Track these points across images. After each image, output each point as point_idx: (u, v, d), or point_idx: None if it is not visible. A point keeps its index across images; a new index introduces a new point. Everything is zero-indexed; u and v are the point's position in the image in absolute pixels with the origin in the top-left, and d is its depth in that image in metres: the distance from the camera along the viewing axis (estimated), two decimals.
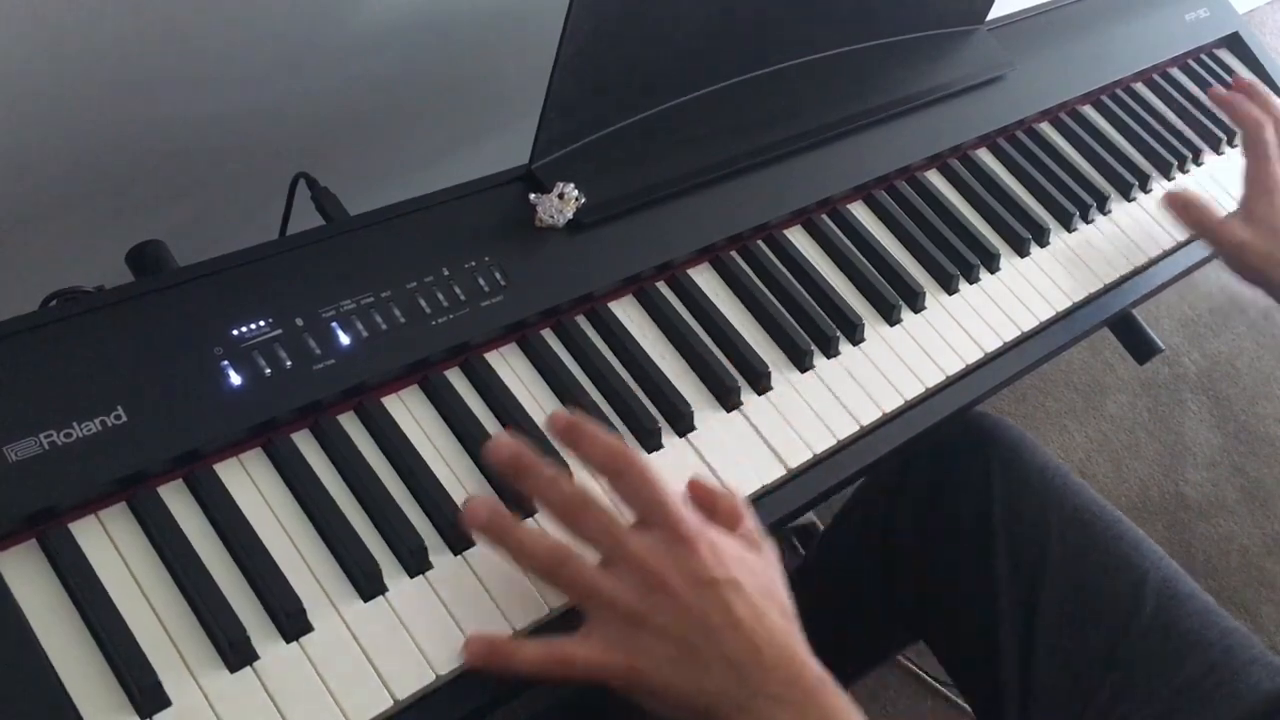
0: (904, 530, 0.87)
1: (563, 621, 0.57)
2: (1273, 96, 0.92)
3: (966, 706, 1.27)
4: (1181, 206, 0.85)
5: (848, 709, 0.52)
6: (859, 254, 0.79)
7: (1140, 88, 1.05)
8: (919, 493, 0.87)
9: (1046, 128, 0.96)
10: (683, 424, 0.66)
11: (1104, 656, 0.76)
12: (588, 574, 0.53)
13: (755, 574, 0.55)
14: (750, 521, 0.58)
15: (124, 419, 0.53)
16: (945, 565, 0.84)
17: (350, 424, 0.59)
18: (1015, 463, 0.84)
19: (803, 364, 0.71)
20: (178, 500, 0.54)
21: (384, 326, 0.61)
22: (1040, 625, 0.78)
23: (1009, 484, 0.82)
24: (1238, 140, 0.93)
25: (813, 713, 0.51)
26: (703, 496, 0.58)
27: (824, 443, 0.68)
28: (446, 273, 0.64)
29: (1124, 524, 0.82)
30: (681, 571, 0.52)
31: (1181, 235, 0.93)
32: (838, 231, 0.79)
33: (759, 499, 0.65)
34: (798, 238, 0.78)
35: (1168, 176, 0.97)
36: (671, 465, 0.64)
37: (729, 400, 0.67)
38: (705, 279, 0.73)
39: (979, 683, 0.83)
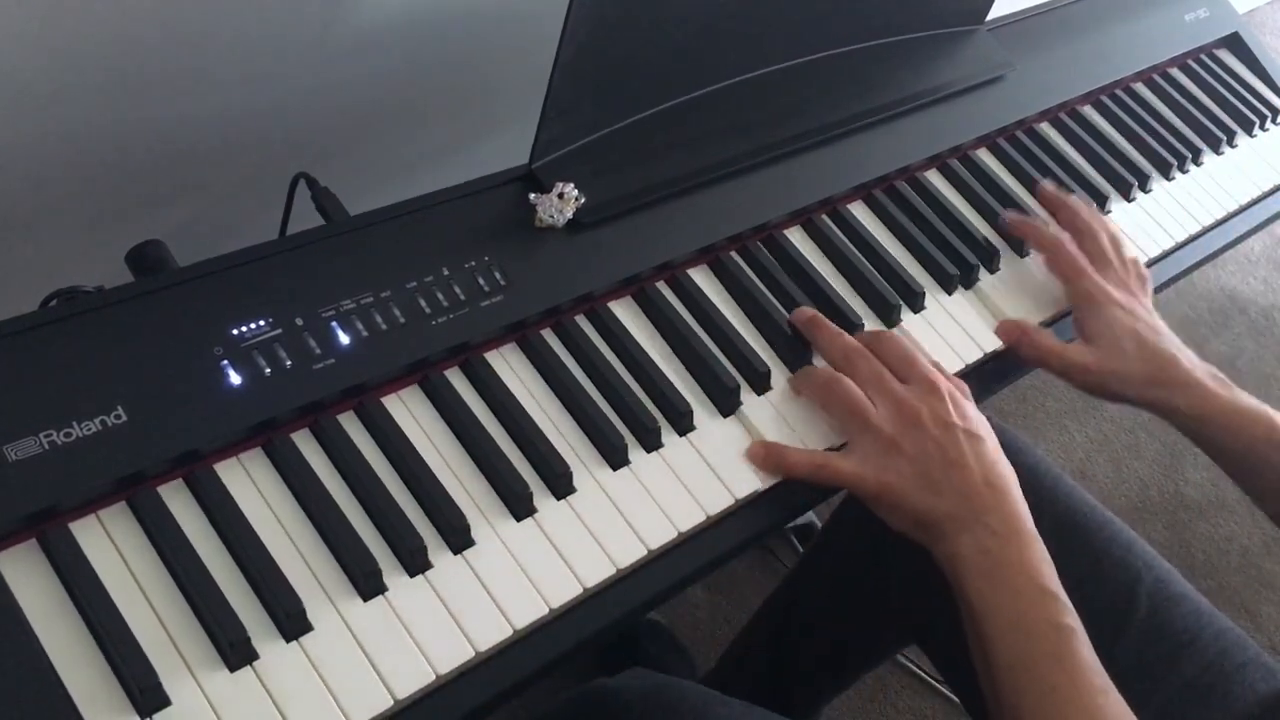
0: (895, 536, 0.87)
1: (562, 621, 0.57)
2: (1070, 201, 0.84)
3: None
4: (1015, 335, 0.77)
5: (1043, 556, 0.61)
6: (859, 254, 0.79)
7: (1140, 88, 1.05)
8: None
9: (1046, 128, 0.96)
10: (683, 423, 0.66)
11: (1100, 658, 0.76)
12: (862, 399, 0.66)
13: (988, 434, 0.66)
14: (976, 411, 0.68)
15: (124, 419, 0.53)
16: (937, 565, 0.84)
17: (350, 424, 0.59)
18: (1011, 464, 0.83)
19: (802, 364, 0.71)
20: (178, 500, 0.54)
21: (384, 326, 0.61)
22: None
23: None
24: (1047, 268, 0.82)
25: (1014, 549, 0.61)
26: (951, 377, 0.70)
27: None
28: (446, 272, 0.64)
29: (1116, 525, 0.82)
30: (931, 413, 0.65)
31: (1181, 235, 0.93)
32: (837, 231, 0.79)
33: (759, 499, 0.65)
34: (797, 238, 0.78)
35: (1167, 176, 0.97)
36: (671, 464, 0.64)
37: (728, 401, 0.67)
38: (705, 279, 0.73)
39: (974, 683, 0.83)
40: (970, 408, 0.67)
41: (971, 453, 0.64)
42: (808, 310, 0.71)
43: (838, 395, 0.66)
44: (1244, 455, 0.75)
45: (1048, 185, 0.87)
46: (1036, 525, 0.76)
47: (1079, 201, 0.86)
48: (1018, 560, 0.61)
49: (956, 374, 0.75)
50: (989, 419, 0.75)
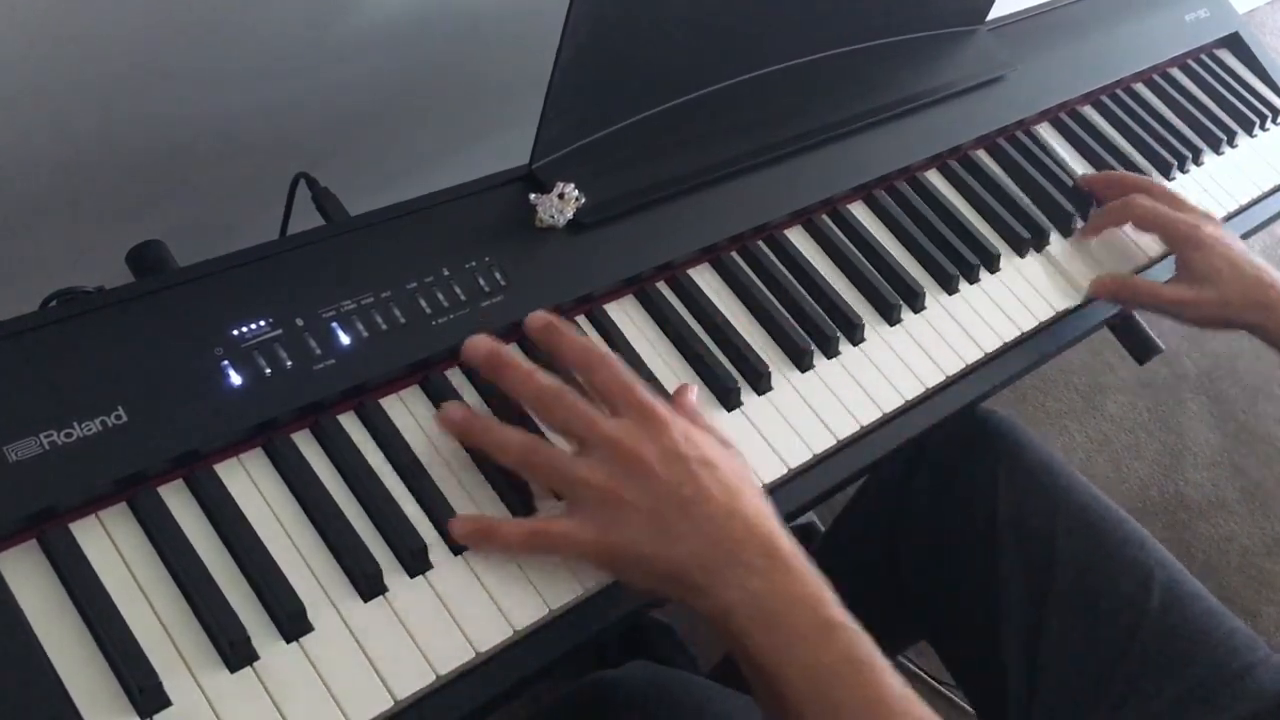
0: (909, 528, 0.87)
1: (563, 621, 0.57)
2: (1118, 175, 0.91)
3: (967, 707, 1.27)
4: (1114, 288, 0.83)
5: (818, 581, 0.54)
6: (859, 254, 0.79)
7: (1140, 88, 1.05)
8: (924, 491, 0.87)
9: (1046, 128, 0.96)
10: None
11: (1109, 656, 0.76)
12: (562, 459, 0.56)
13: (727, 458, 0.57)
14: (714, 427, 0.60)
15: (124, 419, 0.53)
16: (950, 563, 0.84)
17: (350, 424, 0.59)
18: (1021, 461, 0.84)
19: (803, 364, 0.71)
20: (178, 500, 0.54)
21: (384, 326, 0.61)
22: (1046, 624, 0.78)
23: (1014, 482, 0.82)
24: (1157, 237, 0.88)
25: (783, 581, 0.53)
26: (674, 396, 0.62)
27: (824, 442, 0.68)
28: (447, 273, 0.64)
29: (1130, 524, 0.82)
30: (654, 448, 0.55)
31: None
32: (838, 232, 0.79)
33: None
34: (798, 238, 0.78)
35: (1168, 177, 0.97)
36: None
37: (729, 400, 0.67)
38: (706, 279, 0.73)
39: (983, 682, 0.83)
40: (697, 432, 0.57)
41: (711, 483, 0.55)
42: (482, 344, 0.59)
43: (536, 461, 0.56)
44: None
45: (1083, 176, 0.91)
46: (1051, 524, 0.76)
47: (1117, 174, 0.90)
48: (793, 594, 0.53)
49: (956, 374, 0.75)
50: (1002, 418, 0.75)
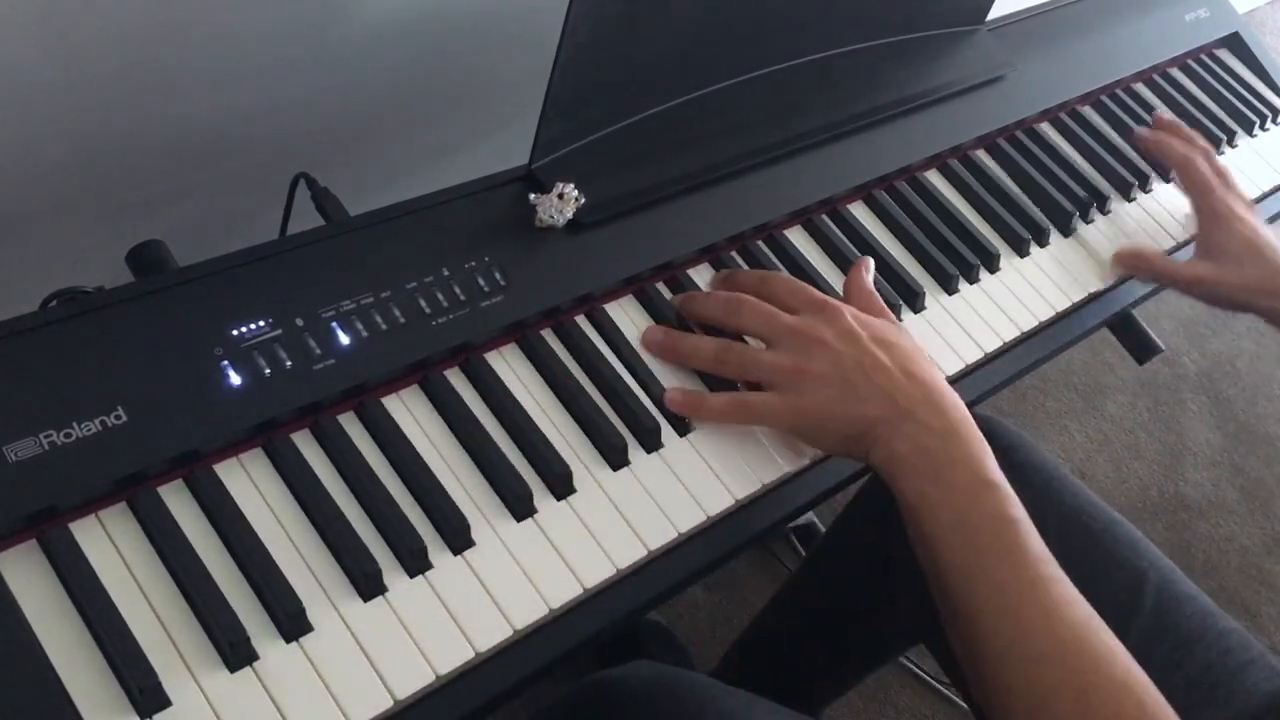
0: (903, 529, 0.87)
1: (562, 622, 0.57)
2: (1193, 133, 0.93)
3: (967, 706, 1.27)
4: (1133, 262, 0.85)
5: (982, 444, 0.61)
6: (859, 254, 0.79)
7: (1140, 88, 1.05)
8: None
9: (1046, 128, 0.96)
10: (683, 424, 0.65)
11: None
12: (753, 352, 0.65)
13: (897, 335, 0.65)
14: (886, 312, 0.68)
15: (124, 419, 0.53)
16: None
17: (350, 424, 0.59)
18: (1013, 463, 0.83)
19: None
20: (178, 500, 0.54)
21: (384, 326, 0.61)
22: None
23: (1013, 485, 0.82)
24: (1173, 176, 0.92)
25: (952, 443, 0.60)
26: (850, 288, 0.70)
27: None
28: (446, 273, 0.64)
29: (1122, 525, 0.82)
30: (831, 330, 0.64)
31: (1182, 235, 0.93)
32: (838, 232, 0.79)
33: (759, 499, 0.65)
34: (798, 238, 0.78)
35: (1166, 178, 0.97)
36: (672, 465, 0.64)
37: None
38: (705, 280, 0.73)
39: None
40: (872, 319, 0.66)
41: (884, 354, 0.63)
42: (679, 296, 0.70)
43: (729, 358, 0.65)
44: None
45: (1143, 131, 0.93)
46: (1040, 525, 0.76)
47: (1190, 130, 0.92)
48: (958, 454, 0.60)
49: (956, 374, 0.75)
50: (995, 421, 0.75)
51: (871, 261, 0.72)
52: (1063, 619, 0.56)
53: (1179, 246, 0.92)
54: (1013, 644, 0.55)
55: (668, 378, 0.67)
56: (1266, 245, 0.82)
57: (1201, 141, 0.91)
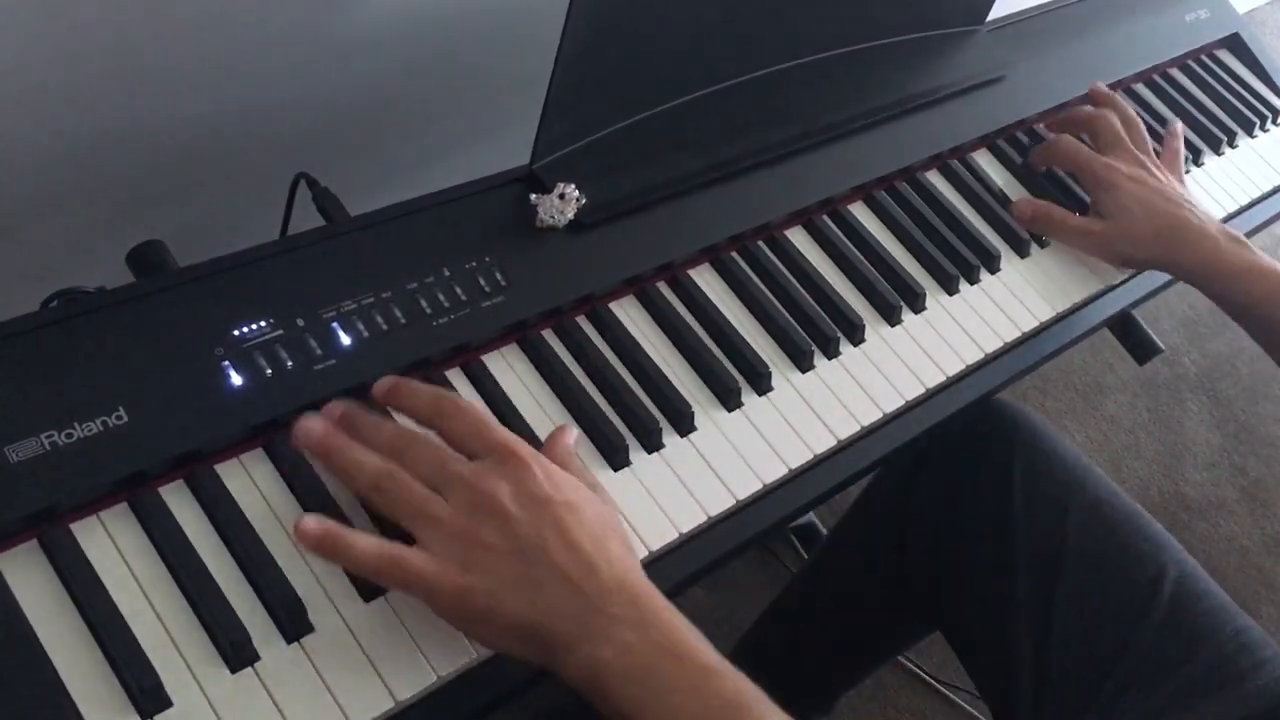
0: (923, 514, 0.87)
1: None
2: (1073, 112, 0.91)
3: (966, 706, 1.27)
4: (1033, 216, 0.85)
5: (691, 629, 0.51)
6: (859, 254, 0.79)
7: (1140, 88, 1.05)
8: (939, 478, 0.87)
9: (1047, 129, 0.96)
10: (684, 424, 0.66)
11: (1118, 647, 0.76)
12: (417, 490, 0.52)
13: (591, 503, 0.53)
14: (584, 471, 0.57)
15: (125, 419, 0.53)
16: (963, 551, 0.84)
17: None
18: (1036, 451, 0.83)
19: (803, 364, 0.71)
20: (179, 501, 0.54)
21: (385, 327, 0.61)
22: (1057, 614, 0.78)
23: (1029, 472, 0.82)
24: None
25: (653, 631, 0.50)
26: (548, 445, 0.58)
27: (824, 443, 0.68)
28: (447, 273, 0.64)
29: (1143, 517, 0.82)
30: (514, 491, 0.51)
31: None
32: (838, 232, 0.79)
33: (760, 499, 0.65)
34: (798, 238, 0.78)
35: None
36: (672, 465, 0.64)
37: (730, 400, 0.67)
38: (706, 279, 0.73)
39: (992, 671, 0.83)
40: (561, 474, 0.54)
41: (576, 528, 0.51)
42: (335, 406, 0.56)
43: (388, 486, 0.52)
44: (1254, 310, 0.78)
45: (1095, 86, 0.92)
46: (1063, 514, 0.76)
47: (1083, 109, 0.91)
48: (668, 644, 0.50)
49: (956, 374, 0.75)
50: (1019, 408, 0.74)
51: (573, 430, 0.60)
52: None
53: None
54: None
55: (672, 377, 0.67)
56: (1156, 199, 0.82)
57: (1086, 111, 0.90)
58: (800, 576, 1.07)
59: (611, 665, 0.49)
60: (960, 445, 0.85)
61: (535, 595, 0.50)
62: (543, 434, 0.62)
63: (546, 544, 0.50)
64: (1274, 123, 1.09)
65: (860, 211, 0.82)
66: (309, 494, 0.56)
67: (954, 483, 0.85)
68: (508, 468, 0.52)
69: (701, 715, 0.49)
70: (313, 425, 0.54)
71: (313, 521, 0.51)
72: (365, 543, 0.51)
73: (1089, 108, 0.90)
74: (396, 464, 0.53)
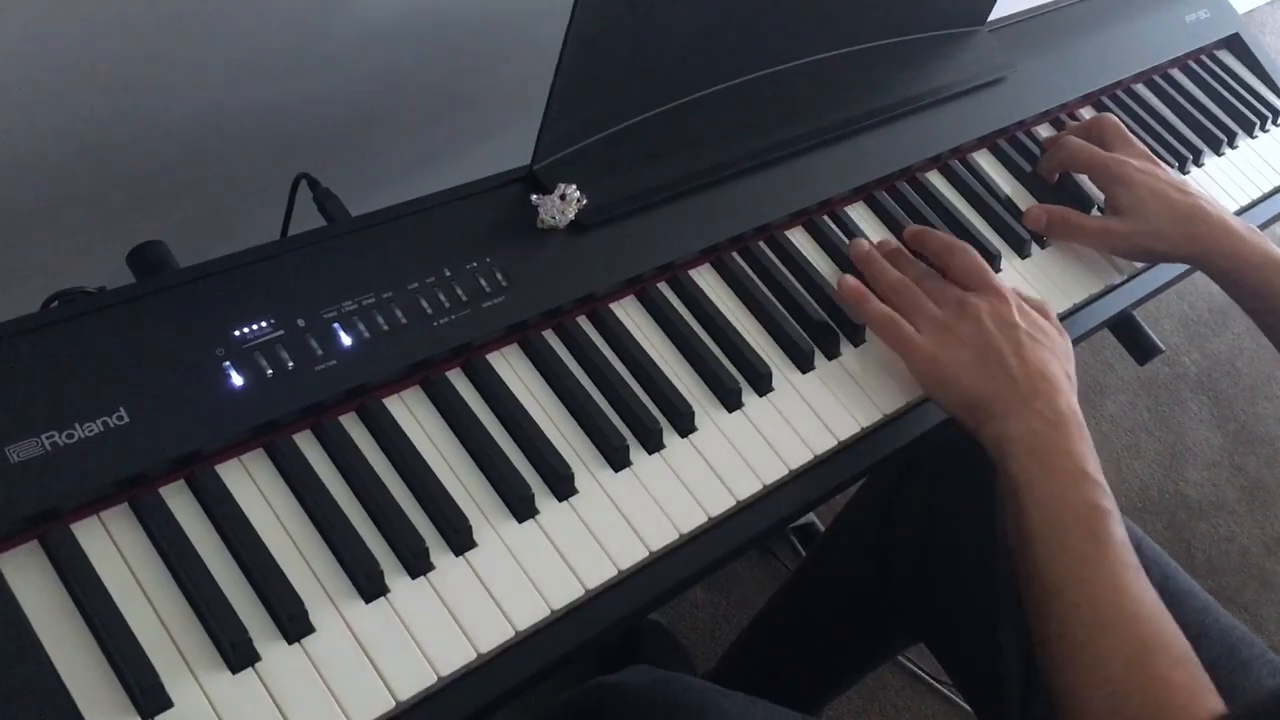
0: (905, 528, 0.87)
1: (564, 622, 0.57)
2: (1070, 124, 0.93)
3: (966, 706, 1.27)
4: (1047, 223, 0.85)
5: (1089, 446, 0.65)
6: None
7: (1141, 89, 1.05)
8: (921, 491, 0.87)
9: (1047, 129, 0.96)
10: (684, 424, 0.66)
11: None
12: (922, 297, 0.71)
13: (1051, 341, 0.70)
14: (1055, 320, 0.73)
15: (126, 420, 0.53)
16: (947, 564, 0.84)
17: (352, 425, 0.59)
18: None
19: (804, 365, 0.71)
20: (179, 501, 0.54)
21: (386, 327, 0.61)
22: None
23: None
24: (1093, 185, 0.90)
25: (1060, 434, 0.64)
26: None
27: (824, 444, 0.68)
28: (448, 273, 0.64)
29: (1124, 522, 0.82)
30: (993, 311, 0.70)
31: None
32: (839, 232, 0.79)
33: (760, 499, 0.65)
34: (799, 239, 0.78)
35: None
36: (673, 465, 0.64)
37: (730, 401, 0.67)
38: (707, 280, 0.73)
39: (979, 681, 0.83)
40: (1036, 315, 0.71)
41: (1030, 349, 0.67)
42: (861, 244, 0.76)
43: (903, 291, 0.72)
44: (1272, 300, 0.80)
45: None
46: None
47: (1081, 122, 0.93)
48: (1064, 444, 0.64)
49: None
50: None
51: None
52: (1132, 597, 0.60)
53: None
54: (1079, 607, 0.60)
55: (672, 377, 0.67)
56: (1171, 192, 0.82)
57: (1076, 126, 0.91)
58: (786, 586, 1.07)
59: (1019, 440, 0.65)
60: (943, 456, 0.86)
61: (986, 380, 0.67)
62: (546, 433, 0.62)
63: (1005, 350, 0.68)
64: (1274, 123, 1.09)
65: (861, 212, 0.82)
66: (310, 493, 0.56)
67: (937, 493, 0.85)
68: (993, 298, 0.70)
69: (1063, 500, 0.62)
70: (861, 246, 0.75)
71: (850, 280, 0.73)
72: (878, 305, 0.72)
73: (1080, 122, 0.91)
74: (903, 287, 0.72)
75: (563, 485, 0.61)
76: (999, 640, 0.79)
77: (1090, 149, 0.86)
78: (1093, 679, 0.59)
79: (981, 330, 0.68)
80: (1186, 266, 0.91)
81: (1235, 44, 1.13)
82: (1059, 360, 0.69)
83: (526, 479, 0.60)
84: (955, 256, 0.73)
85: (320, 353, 0.59)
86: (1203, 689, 0.58)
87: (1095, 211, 0.89)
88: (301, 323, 0.59)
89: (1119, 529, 0.62)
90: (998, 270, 0.82)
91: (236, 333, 0.58)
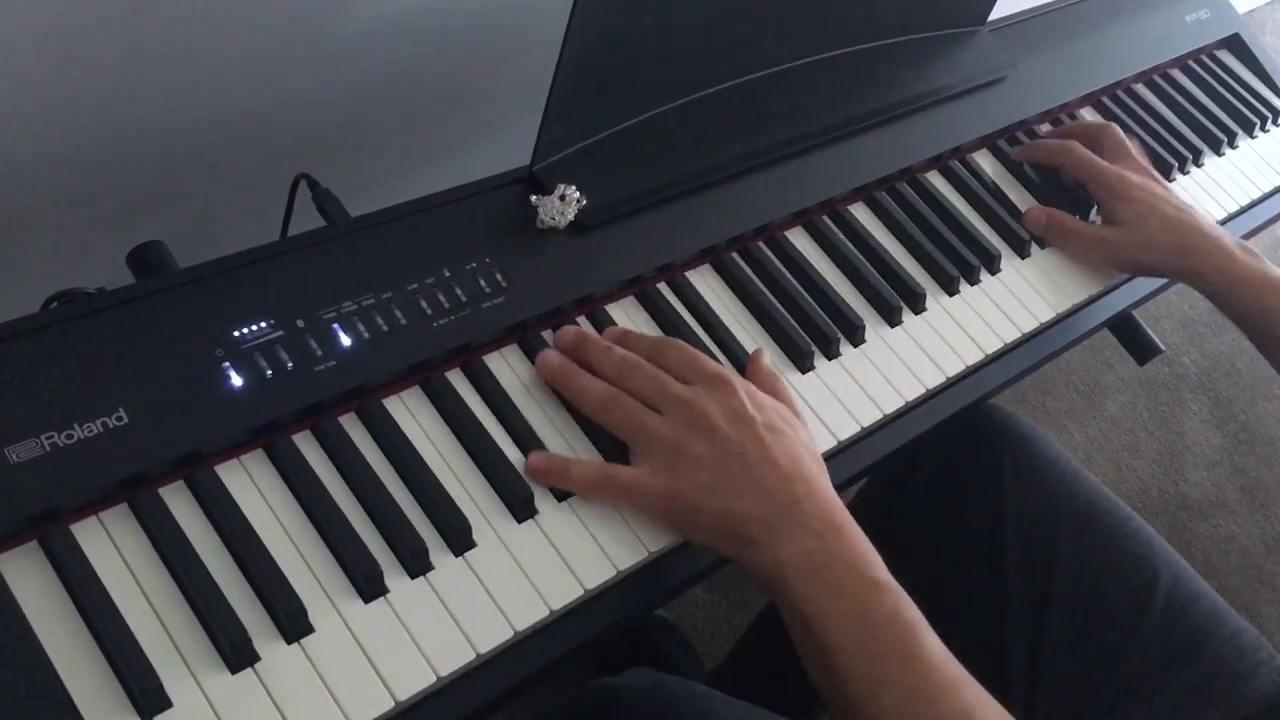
0: (912, 523, 0.87)
1: (563, 622, 0.57)
2: (1073, 125, 0.93)
3: None
4: (1045, 225, 0.85)
5: (868, 546, 0.57)
6: (860, 255, 0.79)
7: (1141, 89, 1.05)
8: (928, 486, 0.86)
9: (1047, 129, 0.96)
10: None
11: (1112, 653, 0.76)
12: (639, 410, 0.60)
13: (791, 426, 0.61)
14: (787, 396, 0.65)
15: (125, 420, 0.53)
16: (954, 559, 0.84)
17: (351, 425, 0.59)
18: (1027, 457, 0.83)
19: (803, 365, 0.71)
20: (179, 501, 0.54)
21: (385, 328, 0.61)
22: (1049, 621, 0.78)
23: (1020, 478, 0.82)
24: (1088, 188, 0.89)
25: (837, 545, 0.56)
26: (750, 369, 0.66)
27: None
28: (448, 274, 0.64)
29: (1135, 521, 0.82)
30: (722, 409, 0.59)
31: None
32: (838, 233, 0.79)
33: None
34: (799, 239, 0.78)
35: (1168, 178, 0.97)
36: None
37: None
38: (706, 280, 0.73)
39: (985, 678, 0.83)
40: (767, 399, 0.62)
41: (775, 446, 0.58)
42: (569, 331, 0.65)
43: (614, 408, 0.60)
44: (1265, 320, 0.79)
45: (1015, 151, 0.92)
46: (1056, 521, 0.76)
47: (1082, 122, 0.92)
48: (844, 555, 0.56)
49: (956, 375, 0.75)
50: (1009, 413, 0.74)
51: (766, 352, 0.68)
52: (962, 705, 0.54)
53: None
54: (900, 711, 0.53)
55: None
56: (1167, 207, 0.82)
57: (1087, 125, 0.91)
58: None
59: (795, 564, 0.56)
60: (949, 452, 0.85)
61: (737, 500, 0.57)
62: (545, 434, 0.62)
63: (748, 457, 0.58)
64: (1274, 123, 1.09)
65: (861, 212, 0.82)
66: (309, 494, 0.56)
67: (943, 490, 0.85)
68: (719, 391, 0.60)
69: (862, 620, 0.55)
70: (551, 357, 0.63)
71: (539, 457, 0.60)
72: (583, 468, 0.60)
73: (1090, 120, 0.90)
74: (620, 388, 0.61)
75: None
76: (1006, 635, 0.79)
77: (1091, 159, 0.86)
78: None
79: (718, 439, 0.58)
80: None
81: (1235, 44, 1.13)
82: (804, 445, 0.61)
83: (527, 479, 0.60)
84: (664, 352, 0.63)
85: (320, 353, 0.59)
86: None
87: (1095, 217, 0.89)
88: (301, 323, 0.59)
89: (933, 640, 0.55)
90: (996, 272, 0.82)
91: (236, 333, 0.58)
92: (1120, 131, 0.89)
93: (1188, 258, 0.80)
